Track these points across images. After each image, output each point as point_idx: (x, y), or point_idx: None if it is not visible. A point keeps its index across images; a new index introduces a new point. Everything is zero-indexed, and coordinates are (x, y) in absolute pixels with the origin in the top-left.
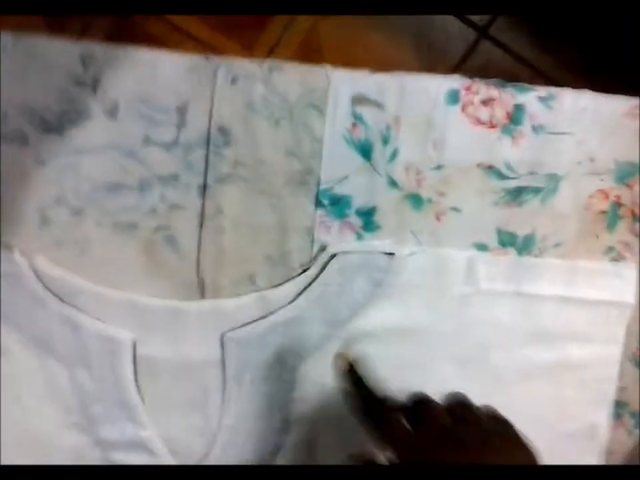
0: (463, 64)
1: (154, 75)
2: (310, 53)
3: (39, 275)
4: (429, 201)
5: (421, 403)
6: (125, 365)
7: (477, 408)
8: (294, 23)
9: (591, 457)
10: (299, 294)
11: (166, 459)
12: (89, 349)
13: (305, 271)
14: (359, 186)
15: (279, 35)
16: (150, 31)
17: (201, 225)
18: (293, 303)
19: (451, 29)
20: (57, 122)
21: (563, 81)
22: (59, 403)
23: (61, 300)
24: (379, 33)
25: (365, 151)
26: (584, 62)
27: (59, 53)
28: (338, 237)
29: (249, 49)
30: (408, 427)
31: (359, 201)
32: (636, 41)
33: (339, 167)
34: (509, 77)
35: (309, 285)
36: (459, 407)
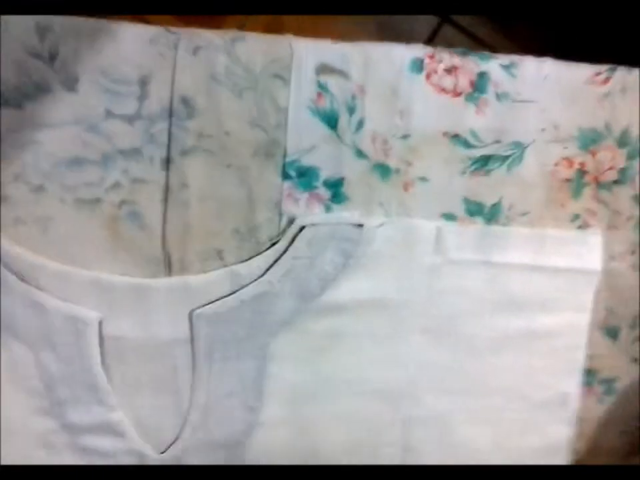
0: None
1: (114, 47)
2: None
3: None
4: (397, 171)
5: None
6: (91, 346)
7: None
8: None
9: (562, 425)
10: (268, 268)
11: (136, 441)
12: (54, 329)
13: (273, 244)
14: (326, 157)
15: (242, 22)
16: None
17: (166, 200)
18: (262, 278)
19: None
20: (14, 96)
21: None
22: (24, 387)
23: (23, 279)
24: (344, 21)
25: (331, 121)
26: (543, 43)
27: (13, 24)
28: (306, 209)
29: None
30: None
31: (326, 172)
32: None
33: (305, 138)
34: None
35: (278, 258)
36: None
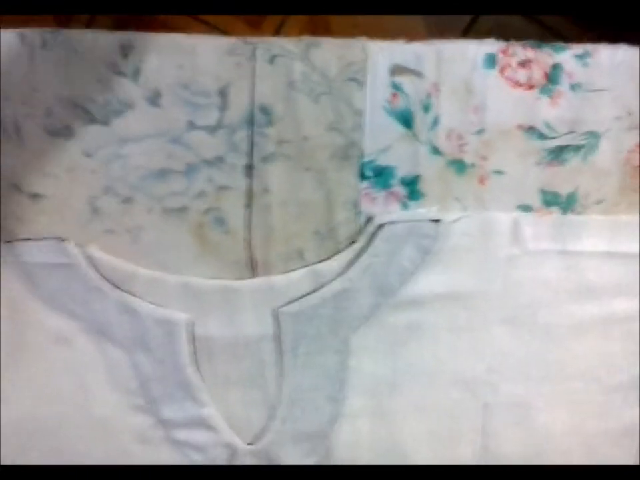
0: (472, 28)
1: (193, 60)
2: (317, 28)
3: (93, 264)
4: (472, 165)
5: None
6: (182, 346)
7: None
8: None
9: (637, 408)
10: (348, 266)
11: (227, 434)
12: (147, 332)
13: (352, 243)
14: (401, 156)
15: (280, 21)
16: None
17: (249, 205)
18: (343, 276)
19: None
20: (101, 113)
21: (572, 37)
22: (121, 387)
23: (117, 287)
24: (389, 19)
25: (406, 121)
26: (590, 15)
27: (97, 44)
28: (383, 208)
29: (256, 27)
30: None
31: (402, 171)
32: None
33: (381, 138)
34: (519, 37)
35: (358, 256)
36: None
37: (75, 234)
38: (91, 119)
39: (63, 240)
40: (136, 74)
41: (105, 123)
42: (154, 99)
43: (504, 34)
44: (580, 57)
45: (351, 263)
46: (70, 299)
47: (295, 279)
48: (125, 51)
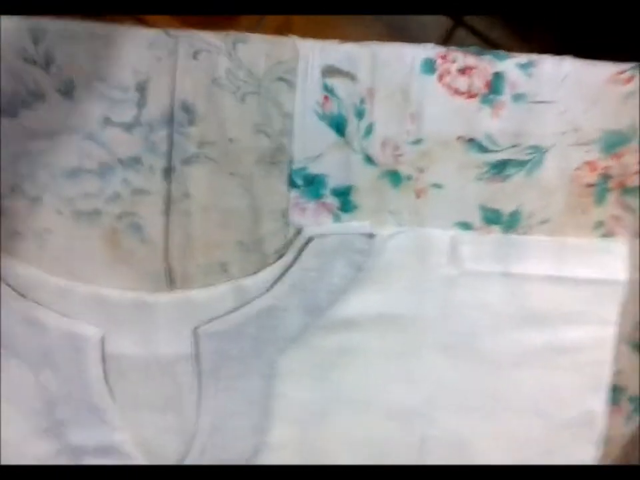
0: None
1: (111, 51)
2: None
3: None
4: (408, 177)
5: None
6: (92, 364)
7: None
8: (266, 17)
9: (588, 445)
10: (275, 282)
11: (140, 463)
12: (53, 347)
13: (280, 256)
14: (334, 164)
15: (254, 23)
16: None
17: (167, 211)
18: (269, 292)
19: (426, 18)
20: (9, 104)
21: (514, 50)
22: (25, 407)
23: (22, 295)
24: (353, 24)
25: (339, 126)
26: (561, 45)
27: (6, 28)
28: (314, 219)
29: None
30: None
31: (334, 180)
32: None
33: (312, 144)
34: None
35: (285, 271)
36: None
37: None
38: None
39: None
40: (47, 63)
41: (14, 115)
42: (67, 90)
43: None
44: (523, 66)
45: (277, 279)
46: None
47: (217, 295)
48: (36, 37)
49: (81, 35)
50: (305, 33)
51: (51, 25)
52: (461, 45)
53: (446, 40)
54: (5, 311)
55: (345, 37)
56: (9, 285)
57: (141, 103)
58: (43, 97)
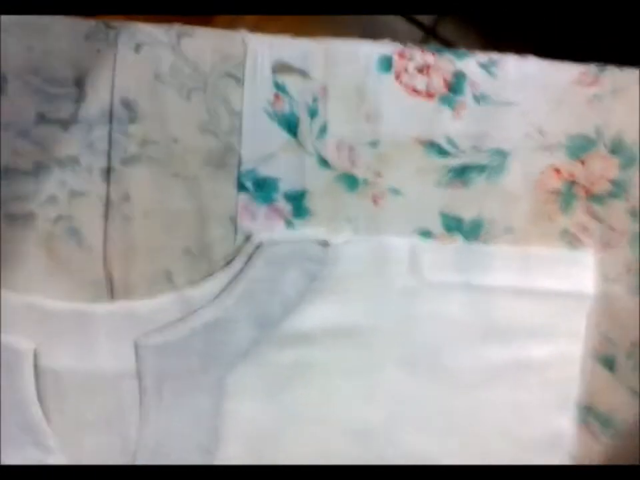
0: None
1: (46, 43)
2: None
3: None
4: (365, 182)
5: None
6: (25, 379)
7: None
8: (237, 22)
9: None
10: (223, 291)
11: None
12: None
13: (228, 264)
14: (285, 166)
15: (230, 22)
16: None
17: (107, 214)
18: (216, 302)
19: (398, 28)
20: None
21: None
22: None
23: None
24: (325, 33)
25: (291, 126)
26: (524, 46)
27: None
28: (265, 225)
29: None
30: None
31: (286, 184)
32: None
33: (262, 145)
34: None
35: (234, 280)
36: None
37: None
38: None
39: None
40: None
41: None
42: (26, 89)
43: None
44: (485, 65)
45: (225, 289)
46: None
47: (160, 305)
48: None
49: (13, 25)
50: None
51: (12, 19)
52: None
53: None
54: None
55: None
56: None
57: (79, 99)
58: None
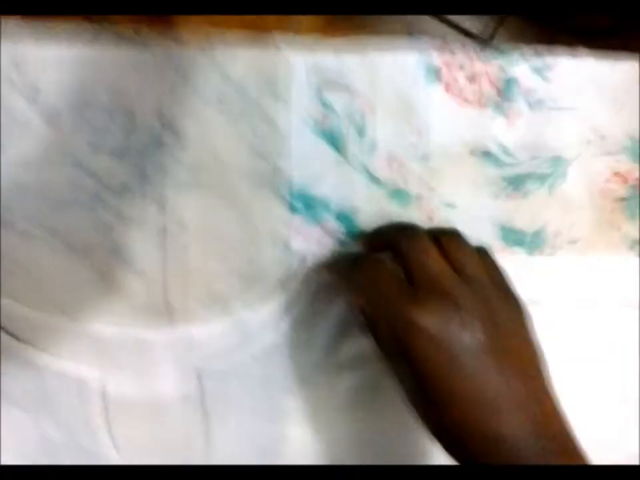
0: None
1: (96, 76)
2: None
3: None
4: (418, 197)
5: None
6: (93, 408)
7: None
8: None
9: None
10: (279, 315)
11: None
12: (51, 391)
13: (283, 287)
14: (335, 185)
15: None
16: None
17: (161, 242)
18: (273, 326)
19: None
20: None
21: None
22: (24, 457)
23: (17, 338)
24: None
25: (339, 144)
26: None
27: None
28: (317, 246)
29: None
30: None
31: (337, 203)
32: None
33: (311, 165)
34: None
35: (290, 303)
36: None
37: None
38: None
39: None
40: (33, 92)
41: None
42: (52, 118)
43: None
44: (538, 70)
45: (282, 312)
46: None
47: (218, 331)
48: (17, 64)
49: (66, 61)
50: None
51: (33, 51)
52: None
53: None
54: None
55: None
56: (4, 328)
57: (129, 128)
58: (27, 127)
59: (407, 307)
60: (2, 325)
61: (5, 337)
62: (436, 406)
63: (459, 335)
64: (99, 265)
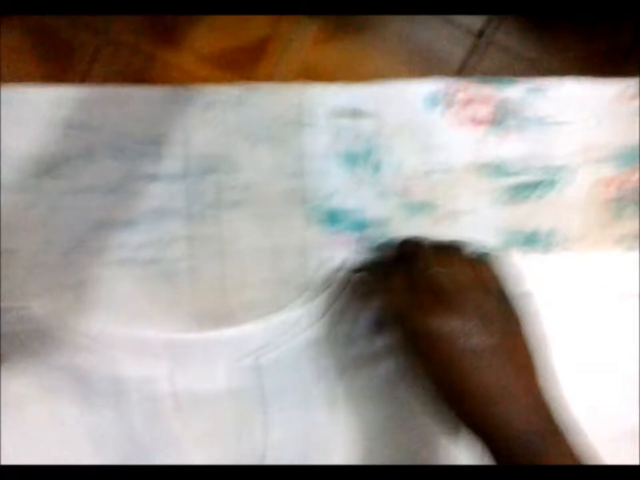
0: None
1: (128, 111)
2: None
3: (62, 324)
4: (425, 208)
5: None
6: (164, 401)
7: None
8: (287, 51)
9: None
10: (322, 313)
11: None
12: (129, 387)
13: (325, 289)
14: (350, 199)
15: (274, 64)
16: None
17: (222, 252)
18: (317, 324)
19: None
20: (54, 165)
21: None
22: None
23: (94, 343)
24: (376, 52)
25: (352, 163)
26: (588, 51)
27: (51, 98)
28: (343, 253)
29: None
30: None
31: (353, 215)
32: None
33: (327, 182)
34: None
35: (331, 303)
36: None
37: (22, 291)
38: (45, 171)
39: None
40: (100, 126)
41: (51, 173)
42: (113, 150)
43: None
44: (531, 90)
45: (324, 311)
46: (50, 363)
47: (272, 328)
48: (84, 103)
49: (101, 100)
50: (330, 72)
51: (97, 92)
52: (484, 61)
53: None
54: (83, 360)
55: (373, 71)
56: (83, 335)
57: (186, 156)
58: (92, 158)
59: (420, 313)
60: (81, 335)
61: (83, 341)
62: (457, 395)
63: (468, 339)
64: (166, 274)
